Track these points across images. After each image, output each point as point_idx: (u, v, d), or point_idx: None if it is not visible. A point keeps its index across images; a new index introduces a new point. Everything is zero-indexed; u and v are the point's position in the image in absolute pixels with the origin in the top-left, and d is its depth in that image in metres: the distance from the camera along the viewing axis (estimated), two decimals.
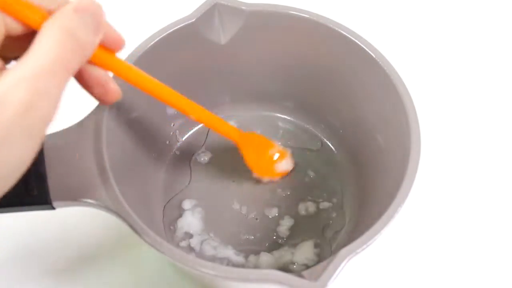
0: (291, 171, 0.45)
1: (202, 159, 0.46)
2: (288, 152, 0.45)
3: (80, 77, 0.28)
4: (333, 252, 0.40)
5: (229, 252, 0.41)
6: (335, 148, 0.47)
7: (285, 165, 0.44)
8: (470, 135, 0.51)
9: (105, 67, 0.29)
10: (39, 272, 0.42)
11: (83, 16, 0.24)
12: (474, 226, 0.46)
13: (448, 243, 0.45)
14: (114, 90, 0.30)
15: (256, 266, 0.40)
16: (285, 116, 0.48)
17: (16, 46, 0.25)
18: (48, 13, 0.24)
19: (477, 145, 0.51)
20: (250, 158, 0.43)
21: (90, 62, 0.28)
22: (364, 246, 0.29)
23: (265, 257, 0.40)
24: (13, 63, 0.25)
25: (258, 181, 0.44)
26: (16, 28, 0.25)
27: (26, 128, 0.21)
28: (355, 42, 0.38)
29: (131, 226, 0.30)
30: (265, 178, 0.44)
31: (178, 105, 0.35)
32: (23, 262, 0.43)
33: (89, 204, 0.31)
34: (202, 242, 0.42)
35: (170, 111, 0.44)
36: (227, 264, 0.41)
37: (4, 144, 0.20)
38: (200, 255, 0.41)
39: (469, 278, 0.43)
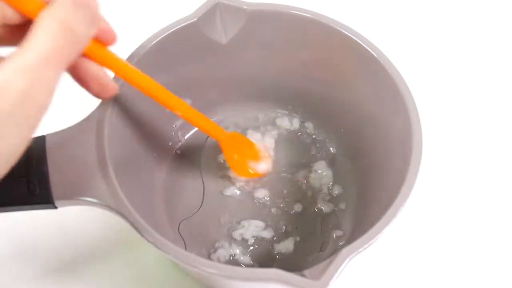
0: (269, 172, 0.45)
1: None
2: (268, 154, 0.45)
3: (76, 72, 0.29)
4: (335, 251, 0.40)
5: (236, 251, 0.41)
6: (336, 148, 0.47)
7: (262, 166, 0.45)
8: (471, 136, 0.51)
9: (98, 60, 0.29)
10: (40, 271, 0.42)
11: (80, 8, 0.24)
12: (475, 226, 0.46)
13: (449, 242, 0.45)
14: (110, 85, 0.30)
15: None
16: (285, 117, 0.48)
17: (12, 35, 0.26)
18: (45, 2, 0.25)
19: (479, 145, 0.51)
20: (230, 157, 0.44)
21: (84, 55, 0.28)
22: (366, 245, 0.29)
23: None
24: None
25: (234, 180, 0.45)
26: (13, 16, 0.25)
27: (22, 117, 0.22)
28: (357, 42, 0.38)
29: (132, 225, 0.30)
30: (241, 178, 0.45)
31: (163, 99, 0.35)
32: (23, 260, 0.43)
33: (91, 203, 0.31)
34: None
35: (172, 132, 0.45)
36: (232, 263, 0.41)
37: (2, 131, 0.21)
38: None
39: (469, 278, 0.43)
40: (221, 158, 0.46)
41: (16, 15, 0.25)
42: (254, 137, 0.46)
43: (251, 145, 0.45)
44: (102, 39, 0.29)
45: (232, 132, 0.45)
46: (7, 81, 0.21)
